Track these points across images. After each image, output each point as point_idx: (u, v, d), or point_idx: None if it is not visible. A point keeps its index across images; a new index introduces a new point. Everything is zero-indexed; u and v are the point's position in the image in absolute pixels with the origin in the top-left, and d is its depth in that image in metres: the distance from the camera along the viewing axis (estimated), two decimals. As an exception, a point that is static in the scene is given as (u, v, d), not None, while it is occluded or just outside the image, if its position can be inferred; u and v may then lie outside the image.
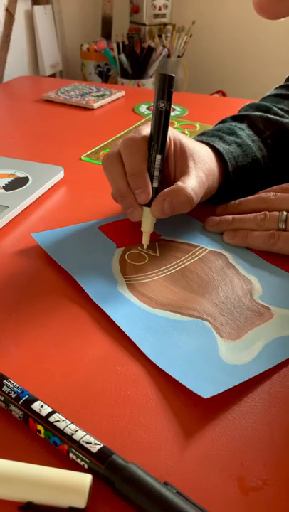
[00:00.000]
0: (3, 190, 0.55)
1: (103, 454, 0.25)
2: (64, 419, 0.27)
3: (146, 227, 0.44)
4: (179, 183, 0.44)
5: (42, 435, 0.27)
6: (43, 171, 0.60)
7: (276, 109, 0.58)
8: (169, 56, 1.54)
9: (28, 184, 0.56)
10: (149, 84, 1.44)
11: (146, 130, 0.45)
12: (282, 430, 0.29)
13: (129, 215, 0.44)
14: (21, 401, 0.28)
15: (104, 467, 0.25)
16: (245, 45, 1.69)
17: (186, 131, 0.77)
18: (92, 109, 0.89)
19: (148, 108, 0.90)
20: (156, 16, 1.61)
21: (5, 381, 0.30)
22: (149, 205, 0.44)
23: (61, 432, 0.27)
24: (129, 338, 0.35)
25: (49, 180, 0.58)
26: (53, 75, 1.52)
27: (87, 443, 0.26)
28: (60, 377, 0.32)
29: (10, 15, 1.25)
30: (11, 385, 0.29)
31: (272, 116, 0.56)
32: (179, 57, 1.57)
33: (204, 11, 1.69)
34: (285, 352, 0.34)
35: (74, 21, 1.63)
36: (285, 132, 0.55)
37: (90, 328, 0.36)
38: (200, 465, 0.27)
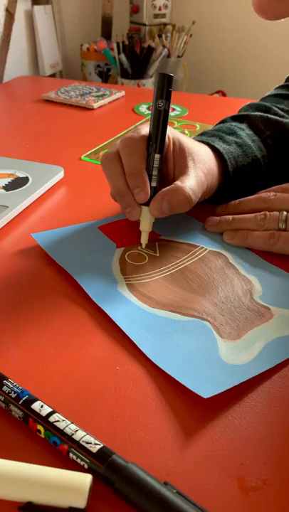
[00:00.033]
0: (3, 190, 0.55)
1: (103, 454, 0.25)
2: (64, 419, 0.27)
3: (145, 227, 0.44)
4: (178, 183, 0.44)
5: (42, 435, 0.27)
6: (43, 171, 0.60)
7: (276, 109, 0.58)
8: (169, 56, 1.54)
9: (28, 184, 0.56)
10: (149, 84, 1.44)
11: (145, 129, 0.45)
12: (282, 430, 0.29)
13: (127, 215, 0.44)
14: (21, 401, 0.28)
15: (104, 467, 0.25)
16: (245, 45, 1.69)
17: (186, 131, 0.77)
18: (92, 109, 0.89)
19: (148, 108, 0.89)
20: (156, 16, 1.61)
21: (5, 381, 0.30)
22: (147, 204, 0.44)
23: (61, 431, 0.27)
24: (129, 338, 0.35)
25: (49, 180, 0.58)
26: (53, 75, 1.52)
27: (87, 443, 0.26)
28: (60, 377, 0.32)
29: (10, 15, 1.25)
30: (11, 385, 0.29)
31: (272, 116, 0.56)
32: (179, 57, 1.57)
33: (204, 11, 1.69)
34: (285, 352, 0.34)
35: (74, 21, 1.63)
36: (285, 132, 0.55)
37: (90, 328, 0.36)
38: (200, 465, 0.27)
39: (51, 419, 0.27)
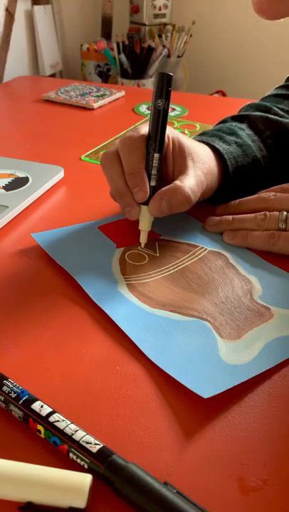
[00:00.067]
0: (3, 190, 0.55)
1: (103, 454, 0.25)
2: (64, 419, 0.27)
3: (144, 226, 0.44)
4: (177, 182, 0.44)
5: (42, 435, 0.27)
6: (43, 171, 0.60)
7: (276, 109, 0.58)
8: (169, 56, 1.54)
9: (28, 184, 0.56)
10: (149, 84, 1.44)
11: (145, 129, 0.45)
12: (282, 430, 0.29)
13: (127, 214, 0.44)
14: (21, 401, 0.28)
15: (104, 467, 0.25)
16: (245, 46, 1.69)
17: (186, 131, 0.77)
18: (92, 109, 0.89)
19: (148, 108, 0.89)
20: (156, 16, 1.61)
21: (5, 381, 0.30)
22: (146, 203, 0.44)
23: (61, 431, 0.27)
24: (129, 338, 0.35)
25: (49, 180, 0.58)
26: (53, 75, 1.52)
27: (87, 443, 0.26)
28: (60, 377, 0.32)
29: (10, 15, 1.25)
30: (11, 385, 0.29)
31: (272, 116, 0.56)
32: (178, 57, 1.57)
33: (204, 11, 1.69)
34: (285, 352, 0.34)
35: (74, 21, 1.63)
36: (285, 132, 0.55)
37: (90, 328, 0.36)
38: (200, 465, 0.27)
39: (51, 419, 0.27)
